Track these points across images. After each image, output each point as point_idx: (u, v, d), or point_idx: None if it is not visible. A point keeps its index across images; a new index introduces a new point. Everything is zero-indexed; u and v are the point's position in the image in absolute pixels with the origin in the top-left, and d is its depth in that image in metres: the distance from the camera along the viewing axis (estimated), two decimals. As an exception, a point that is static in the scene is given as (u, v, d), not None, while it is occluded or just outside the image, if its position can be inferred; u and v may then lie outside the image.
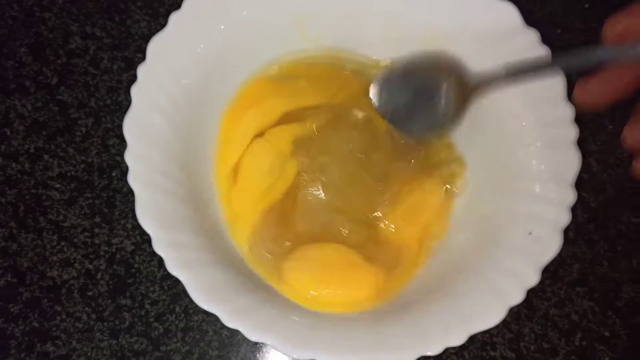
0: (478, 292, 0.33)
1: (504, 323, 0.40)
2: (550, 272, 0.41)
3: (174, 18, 0.35)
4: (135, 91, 0.34)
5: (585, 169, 0.43)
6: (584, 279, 0.41)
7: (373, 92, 0.35)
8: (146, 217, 0.32)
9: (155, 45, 0.35)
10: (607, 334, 0.40)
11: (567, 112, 0.34)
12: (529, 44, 0.35)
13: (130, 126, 0.34)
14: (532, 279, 0.32)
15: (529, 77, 0.31)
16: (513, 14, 0.36)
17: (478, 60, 0.36)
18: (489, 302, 0.32)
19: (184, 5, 0.35)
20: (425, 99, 0.35)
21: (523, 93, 0.35)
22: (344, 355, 0.31)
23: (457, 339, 0.31)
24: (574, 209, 0.41)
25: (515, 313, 0.40)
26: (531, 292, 0.40)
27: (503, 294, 0.32)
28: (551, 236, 0.33)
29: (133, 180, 0.32)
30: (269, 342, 0.31)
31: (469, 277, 0.34)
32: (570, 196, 0.34)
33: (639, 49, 0.27)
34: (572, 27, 0.47)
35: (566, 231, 0.41)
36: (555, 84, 0.35)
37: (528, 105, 0.36)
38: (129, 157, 0.33)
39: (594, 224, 0.42)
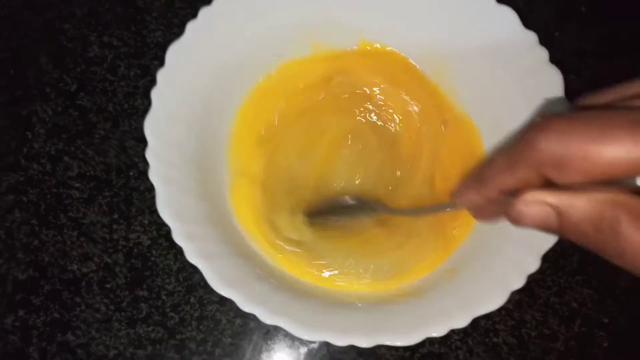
0: (482, 277, 0.35)
1: (507, 310, 0.41)
2: (551, 262, 0.42)
3: (191, 26, 0.37)
4: (154, 94, 0.36)
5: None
6: (583, 268, 0.42)
7: None
8: (165, 211, 0.34)
9: (173, 52, 0.37)
10: (605, 320, 0.42)
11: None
12: (528, 46, 0.37)
13: (150, 127, 0.35)
14: (533, 265, 0.34)
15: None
16: (512, 18, 0.37)
17: (479, 68, 0.39)
18: (492, 286, 0.34)
19: (200, 14, 0.37)
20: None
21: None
22: (352, 336, 0.32)
23: (462, 322, 0.33)
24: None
25: (517, 301, 0.41)
26: (532, 281, 0.42)
27: (505, 279, 0.34)
28: None
29: (153, 176, 0.34)
30: (282, 325, 0.32)
31: (473, 264, 0.36)
32: None
33: None
34: (569, 30, 0.50)
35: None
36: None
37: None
38: (149, 155, 0.35)
39: (591, 216, 0.44)
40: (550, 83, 0.36)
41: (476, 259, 0.36)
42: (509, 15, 0.37)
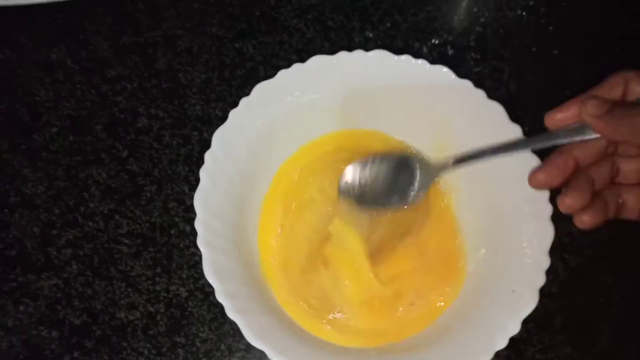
0: (469, 337, 0.40)
1: (497, 365, 0.47)
2: (536, 322, 0.48)
3: (233, 113, 0.44)
4: (203, 172, 0.43)
5: (566, 233, 0.51)
6: (565, 329, 0.48)
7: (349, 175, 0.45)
8: (210, 272, 0.40)
9: (218, 135, 0.44)
10: (584, 377, 0.47)
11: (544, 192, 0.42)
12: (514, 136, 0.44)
13: (199, 200, 0.42)
14: (514, 329, 0.39)
15: (473, 162, 0.41)
16: (500, 111, 0.45)
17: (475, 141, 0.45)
18: (479, 346, 0.39)
19: (241, 103, 0.45)
20: (399, 178, 0.45)
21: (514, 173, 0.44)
22: None
23: None
24: (556, 268, 0.49)
25: (505, 357, 0.47)
26: (519, 340, 0.47)
27: (490, 340, 0.39)
28: (530, 294, 0.40)
29: (201, 242, 0.40)
30: None
31: (462, 324, 0.42)
32: (545, 262, 0.41)
33: (575, 130, 0.35)
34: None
35: (550, 287, 0.49)
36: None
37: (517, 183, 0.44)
38: (198, 225, 0.41)
39: (574, 281, 0.49)
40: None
41: (465, 321, 0.42)
42: (499, 109, 0.44)
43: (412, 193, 0.44)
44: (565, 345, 0.48)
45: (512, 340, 0.47)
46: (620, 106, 0.34)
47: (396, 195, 0.45)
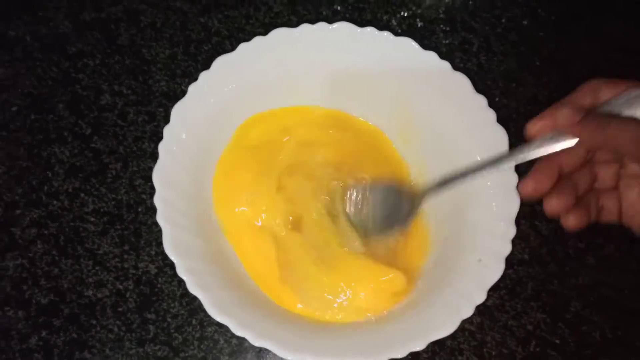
0: (437, 307, 0.40)
1: (470, 332, 0.47)
2: (509, 289, 0.48)
3: (192, 87, 0.44)
4: (161, 148, 0.42)
5: (538, 201, 0.51)
6: (537, 295, 0.48)
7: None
8: (170, 248, 0.39)
9: (177, 110, 0.43)
10: (557, 341, 0.47)
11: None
12: (479, 107, 0.44)
13: (158, 175, 0.41)
14: (480, 297, 0.39)
15: (458, 182, 0.40)
16: (465, 83, 0.44)
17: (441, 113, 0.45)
18: (446, 315, 0.39)
19: (200, 77, 0.44)
20: (389, 207, 0.45)
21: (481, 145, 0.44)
22: (325, 357, 0.37)
23: (419, 345, 0.38)
24: (528, 236, 0.50)
25: (479, 323, 0.47)
26: (492, 307, 0.48)
27: (457, 309, 0.39)
28: (496, 263, 0.40)
29: (161, 218, 0.40)
30: (268, 347, 0.37)
31: (430, 294, 0.41)
32: (512, 231, 0.41)
33: (556, 138, 0.36)
34: (526, 82, 0.56)
35: (522, 254, 0.49)
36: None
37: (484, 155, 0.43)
38: (157, 201, 0.40)
39: (545, 248, 0.50)
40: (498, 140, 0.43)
41: (433, 292, 0.41)
42: (463, 81, 0.44)
43: (406, 218, 0.45)
44: (537, 311, 0.48)
45: (486, 307, 0.47)
46: (594, 115, 0.35)
47: (394, 223, 0.45)
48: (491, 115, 0.44)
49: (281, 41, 0.46)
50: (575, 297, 0.48)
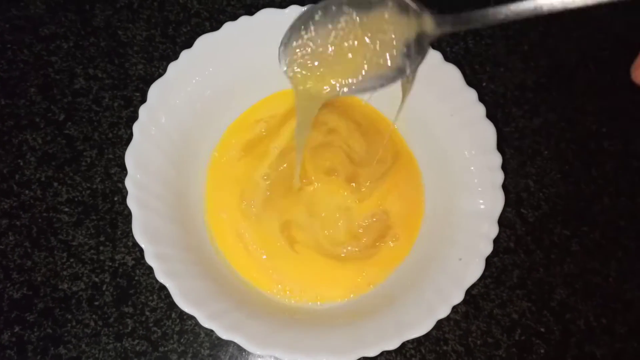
0: (413, 305, 0.39)
1: (455, 322, 0.46)
2: (494, 277, 0.47)
3: (172, 66, 0.41)
4: (136, 127, 0.40)
5: (524, 188, 0.50)
6: (522, 283, 0.48)
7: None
8: (139, 232, 0.38)
9: (156, 89, 0.41)
10: (542, 329, 0.47)
11: (497, 160, 0.41)
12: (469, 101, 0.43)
13: (131, 157, 0.39)
14: (458, 297, 0.38)
15: (475, 25, 0.31)
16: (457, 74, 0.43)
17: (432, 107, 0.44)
18: (421, 315, 0.38)
19: (181, 56, 0.42)
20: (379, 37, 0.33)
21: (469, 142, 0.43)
22: (297, 353, 0.36)
23: (392, 344, 0.37)
24: (514, 223, 0.49)
25: (464, 313, 0.46)
26: (477, 295, 0.47)
27: (433, 309, 0.38)
28: (476, 262, 0.39)
29: (131, 201, 0.38)
30: (237, 341, 0.36)
31: (407, 291, 0.40)
32: (494, 231, 0.40)
33: None
34: (513, 66, 0.55)
35: (507, 242, 0.48)
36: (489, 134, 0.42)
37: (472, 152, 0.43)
38: (128, 183, 0.39)
39: (531, 236, 0.49)
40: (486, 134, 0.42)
41: (410, 289, 0.40)
42: (454, 73, 0.43)
43: (406, 59, 0.33)
44: (522, 299, 0.47)
45: (471, 296, 0.47)
46: None
47: (380, 64, 0.32)
48: (481, 110, 0.42)
49: (269, 22, 0.43)
50: (561, 284, 0.48)
